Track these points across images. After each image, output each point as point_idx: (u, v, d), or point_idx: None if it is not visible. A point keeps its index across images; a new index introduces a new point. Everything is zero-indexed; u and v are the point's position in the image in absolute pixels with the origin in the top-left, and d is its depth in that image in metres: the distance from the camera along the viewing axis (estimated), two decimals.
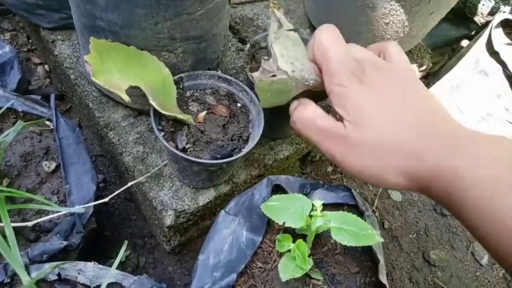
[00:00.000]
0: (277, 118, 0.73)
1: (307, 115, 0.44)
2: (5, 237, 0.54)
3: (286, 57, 0.49)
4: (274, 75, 0.50)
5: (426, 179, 0.34)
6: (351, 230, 0.52)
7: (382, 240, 0.53)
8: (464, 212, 0.31)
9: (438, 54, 1.40)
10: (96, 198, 0.66)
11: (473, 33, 1.36)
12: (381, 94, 0.38)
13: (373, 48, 0.46)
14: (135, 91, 0.55)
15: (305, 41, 0.51)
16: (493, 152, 0.30)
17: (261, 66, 0.53)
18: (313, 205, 0.55)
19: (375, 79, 0.39)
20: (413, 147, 0.35)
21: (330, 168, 1.17)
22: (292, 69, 0.48)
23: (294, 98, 0.51)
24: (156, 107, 0.55)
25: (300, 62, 0.48)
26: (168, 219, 0.69)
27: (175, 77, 0.63)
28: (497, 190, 0.28)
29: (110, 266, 0.60)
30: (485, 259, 1.14)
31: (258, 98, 0.55)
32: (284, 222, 0.52)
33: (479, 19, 1.38)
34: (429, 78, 1.36)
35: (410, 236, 1.14)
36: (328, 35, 0.43)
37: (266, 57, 0.52)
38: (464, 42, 1.50)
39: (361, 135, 0.38)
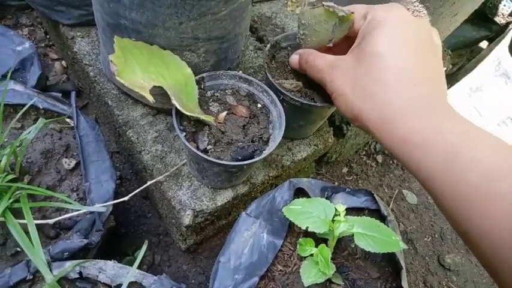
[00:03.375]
0: (296, 118, 0.72)
1: (317, 55, 0.57)
2: (27, 234, 0.54)
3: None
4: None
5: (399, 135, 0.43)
6: (374, 236, 0.52)
7: (405, 247, 0.52)
8: (423, 170, 0.41)
9: (457, 56, 1.38)
10: (115, 197, 0.66)
11: (493, 34, 1.33)
12: (405, 41, 0.47)
13: None
14: (156, 90, 0.54)
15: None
16: (452, 127, 0.41)
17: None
18: (336, 209, 0.54)
19: (405, 30, 0.48)
20: (397, 102, 0.45)
21: (345, 170, 1.16)
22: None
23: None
24: (179, 107, 0.54)
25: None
26: (187, 219, 0.69)
27: (197, 77, 0.62)
28: (447, 157, 0.38)
29: (127, 263, 0.60)
30: None
31: (299, 32, 0.60)
32: (307, 227, 0.51)
33: (499, 20, 1.36)
34: (447, 79, 1.34)
35: (426, 239, 1.12)
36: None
37: None
38: (484, 44, 1.47)
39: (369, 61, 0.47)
